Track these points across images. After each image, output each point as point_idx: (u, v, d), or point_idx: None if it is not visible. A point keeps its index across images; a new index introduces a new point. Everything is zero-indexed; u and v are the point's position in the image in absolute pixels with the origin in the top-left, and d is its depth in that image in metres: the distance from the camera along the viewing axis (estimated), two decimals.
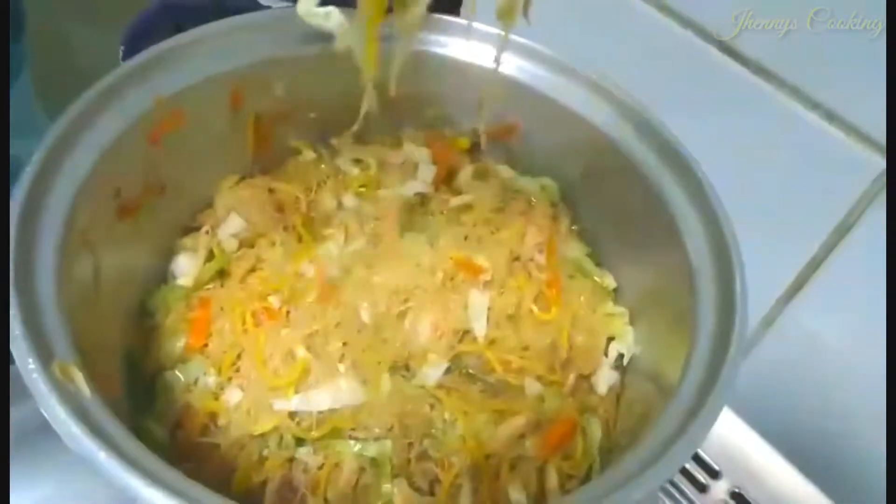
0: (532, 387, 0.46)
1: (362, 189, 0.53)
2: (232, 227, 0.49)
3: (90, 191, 0.39)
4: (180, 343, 0.45)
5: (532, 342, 0.47)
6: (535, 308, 0.48)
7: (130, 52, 0.45)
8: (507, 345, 0.47)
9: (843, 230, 0.55)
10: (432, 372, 0.45)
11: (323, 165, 0.54)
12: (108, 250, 0.41)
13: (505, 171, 0.55)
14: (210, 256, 0.49)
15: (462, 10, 0.51)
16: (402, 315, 0.47)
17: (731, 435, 0.57)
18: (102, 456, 0.27)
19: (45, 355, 0.30)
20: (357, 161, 0.54)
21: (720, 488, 0.55)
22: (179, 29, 0.46)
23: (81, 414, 0.29)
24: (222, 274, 0.48)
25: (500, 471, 0.43)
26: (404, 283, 0.47)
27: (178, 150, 0.46)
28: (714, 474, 0.55)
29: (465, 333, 0.47)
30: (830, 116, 0.53)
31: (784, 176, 0.56)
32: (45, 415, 0.29)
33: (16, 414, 0.44)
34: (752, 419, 0.57)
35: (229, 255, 0.49)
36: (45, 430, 0.47)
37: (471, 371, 0.47)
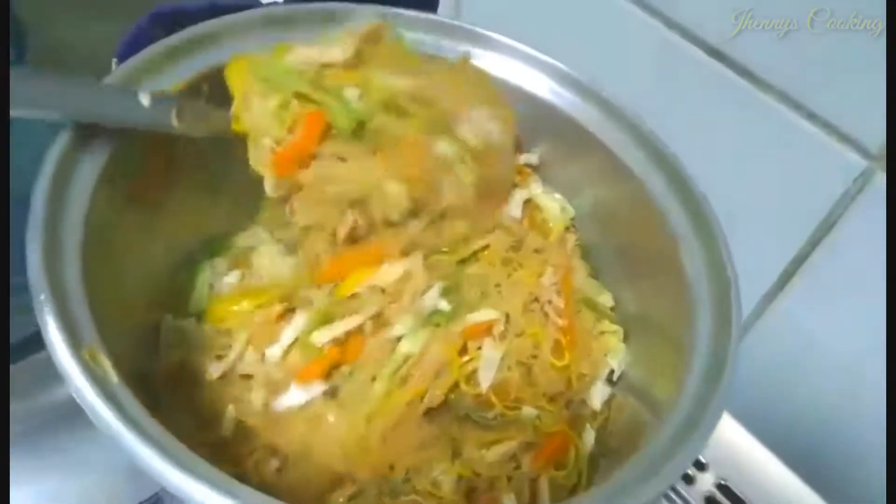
0: (528, 412, 0.45)
1: None
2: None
3: (105, 181, 0.39)
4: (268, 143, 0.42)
5: (544, 387, 0.46)
6: (550, 358, 0.47)
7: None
8: (511, 386, 0.45)
9: (826, 227, 0.56)
10: None
11: None
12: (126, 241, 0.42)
13: (535, 185, 0.53)
14: None
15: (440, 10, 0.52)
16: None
17: (717, 428, 0.58)
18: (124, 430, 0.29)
19: (75, 342, 0.31)
20: None
21: (706, 480, 0.56)
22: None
23: (109, 396, 0.30)
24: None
25: (492, 486, 0.43)
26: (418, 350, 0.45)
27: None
28: (701, 466, 0.57)
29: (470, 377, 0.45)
30: (813, 117, 0.54)
31: (768, 175, 0.57)
32: (76, 398, 0.30)
33: (17, 410, 0.45)
34: (739, 412, 0.58)
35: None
36: (46, 426, 0.48)
37: (466, 413, 0.45)
